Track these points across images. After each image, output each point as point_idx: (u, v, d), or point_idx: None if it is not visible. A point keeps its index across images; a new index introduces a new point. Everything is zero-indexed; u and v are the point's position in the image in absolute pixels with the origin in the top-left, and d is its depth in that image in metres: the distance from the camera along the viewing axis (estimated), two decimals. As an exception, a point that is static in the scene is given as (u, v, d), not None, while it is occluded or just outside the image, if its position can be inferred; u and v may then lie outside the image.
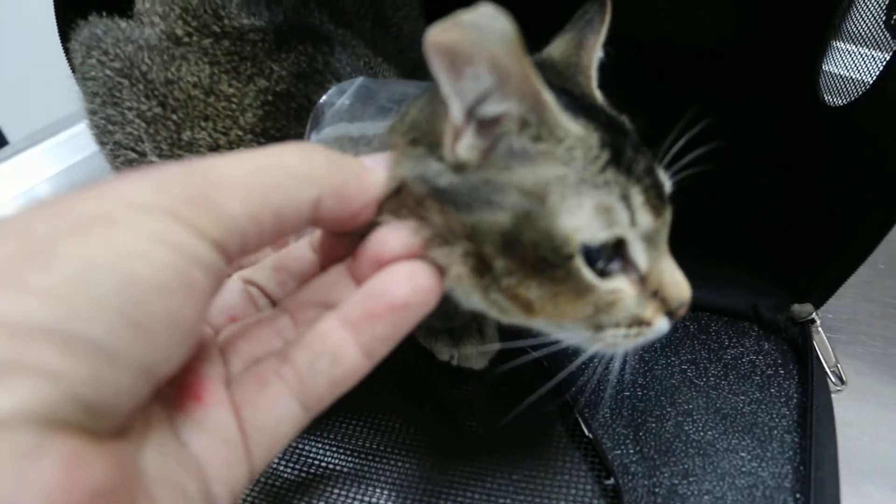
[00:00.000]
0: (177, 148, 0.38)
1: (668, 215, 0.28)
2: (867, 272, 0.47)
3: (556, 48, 0.32)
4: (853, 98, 0.51)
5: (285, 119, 0.36)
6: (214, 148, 0.37)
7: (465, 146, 0.25)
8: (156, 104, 0.38)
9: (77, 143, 0.78)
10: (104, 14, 0.44)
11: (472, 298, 0.27)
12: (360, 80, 0.33)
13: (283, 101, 0.36)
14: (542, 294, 0.26)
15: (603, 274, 0.26)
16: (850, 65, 0.53)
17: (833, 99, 0.55)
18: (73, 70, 0.45)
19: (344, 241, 0.28)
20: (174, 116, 0.38)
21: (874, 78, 0.47)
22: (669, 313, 0.28)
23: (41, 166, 0.76)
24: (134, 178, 0.19)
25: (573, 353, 0.30)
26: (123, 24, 0.43)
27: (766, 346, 0.47)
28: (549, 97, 0.24)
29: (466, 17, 0.21)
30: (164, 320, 0.18)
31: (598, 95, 0.31)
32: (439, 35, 0.21)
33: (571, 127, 0.25)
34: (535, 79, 0.23)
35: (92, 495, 0.16)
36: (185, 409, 0.22)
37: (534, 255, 0.25)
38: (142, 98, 0.39)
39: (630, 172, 0.26)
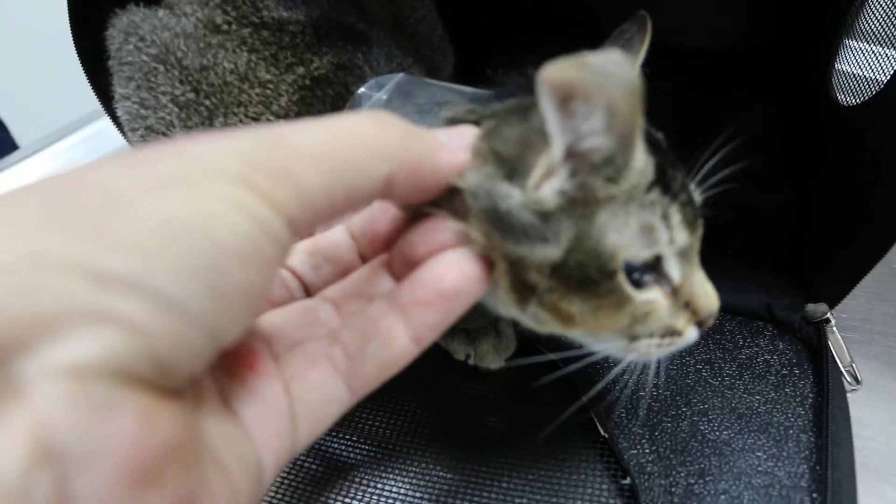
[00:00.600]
0: None
1: (700, 230, 0.28)
2: (882, 271, 0.47)
3: None
4: (866, 97, 0.51)
5: (321, 105, 0.36)
6: None
7: (553, 189, 0.24)
8: (189, 90, 0.39)
9: (87, 147, 0.78)
10: (140, 4, 0.45)
11: (510, 310, 0.28)
12: (400, 75, 0.33)
13: (320, 87, 0.36)
14: (584, 308, 0.26)
15: (638, 285, 0.27)
16: (864, 63, 0.53)
17: (846, 98, 0.55)
18: (109, 56, 0.45)
19: (386, 231, 0.28)
20: (207, 102, 0.38)
21: (888, 77, 0.47)
22: (699, 323, 0.29)
23: (51, 170, 0.76)
24: (211, 141, 0.19)
25: (600, 364, 0.30)
26: (161, 12, 0.43)
27: (781, 346, 0.47)
28: (640, 142, 0.24)
29: (594, 59, 0.21)
30: (238, 288, 0.18)
31: None
32: (560, 72, 0.21)
33: (640, 158, 0.25)
34: (640, 129, 0.24)
35: (165, 450, 0.16)
36: (239, 378, 0.22)
37: (579, 274, 0.25)
38: (176, 83, 0.39)
39: (670, 192, 0.26)
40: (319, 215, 0.20)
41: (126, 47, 0.43)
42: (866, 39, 0.54)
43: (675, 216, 0.26)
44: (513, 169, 0.25)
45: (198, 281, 0.17)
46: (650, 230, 0.26)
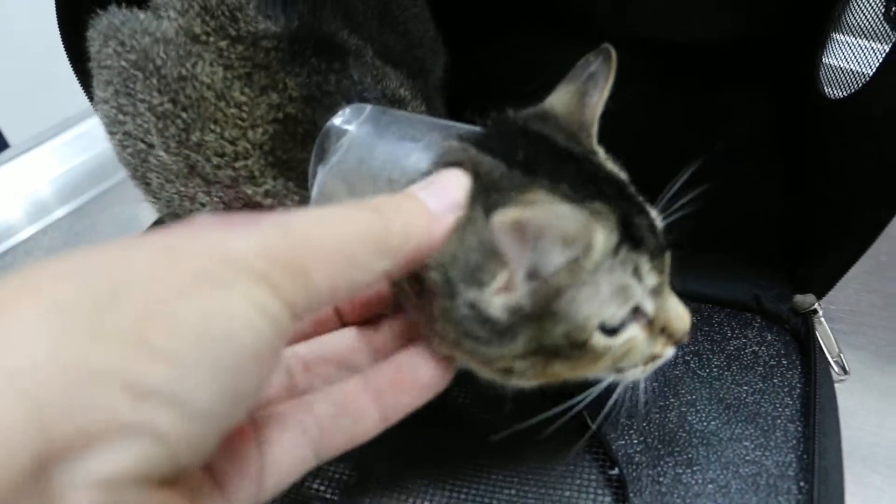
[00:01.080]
0: (185, 148, 0.38)
1: (668, 264, 0.29)
2: (869, 263, 0.48)
3: (559, 100, 0.32)
4: (853, 90, 0.51)
5: (292, 142, 0.36)
6: (221, 155, 0.37)
7: (501, 306, 0.25)
8: (167, 100, 0.38)
9: (78, 145, 0.78)
10: (123, 4, 0.44)
11: (493, 380, 0.29)
12: (369, 108, 0.33)
13: (290, 124, 0.36)
14: (564, 367, 0.28)
15: (614, 331, 0.27)
16: (850, 57, 0.53)
17: (833, 91, 0.55)
18: (89, 58, 0.44)
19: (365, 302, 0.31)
20: (184, 115, 0.38)
21: (874, 69, 0.47)
22: (674, 342, 0.30)
23: (42, 169, 0.76)
24: (236, 232, 0.19)
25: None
26: (142, 15, 0.42)
27: (769, 337, 0.47)
28: (600, 232, 0.25)
29: (540, 208, 0.22)
30: (251, 385, 0.19)
31: (601, 152, 0.31)
32: (511, 216, 0.22)
33: (600, 241, 0.25)
34: (600, 228, 0.25)
35: None
36: (224, 444, 0.23)
37: (552, 351, 0.26)
38: (154, 92, 0.38)
39: (637, 243, 0.26)
40: (319, 308, 0.21)
41: (105, 50, 0.42)
42: (853, 33, 0.54)
43: (646, 265, 0.27)
44: (474, 277, 0.25)
45: (221, 385, 0.18)
46: (623, 289, 0.26)
